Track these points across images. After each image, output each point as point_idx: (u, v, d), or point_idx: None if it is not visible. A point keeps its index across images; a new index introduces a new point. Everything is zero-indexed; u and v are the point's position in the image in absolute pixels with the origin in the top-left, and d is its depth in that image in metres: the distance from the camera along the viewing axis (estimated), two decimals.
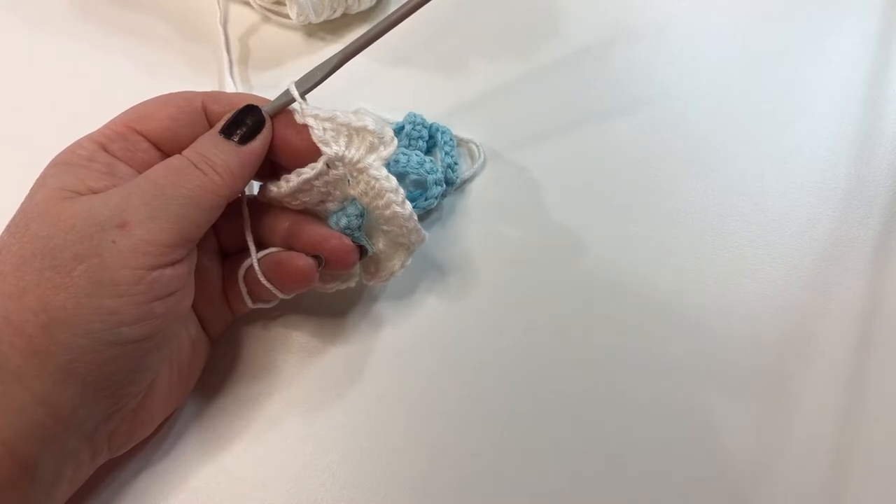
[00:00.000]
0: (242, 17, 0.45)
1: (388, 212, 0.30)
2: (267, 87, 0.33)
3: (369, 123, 0.30)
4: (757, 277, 0.37)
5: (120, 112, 0.30)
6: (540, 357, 0.35)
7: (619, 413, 0.34)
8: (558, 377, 0.34)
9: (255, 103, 0.30)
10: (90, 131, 0.29)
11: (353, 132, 0.30)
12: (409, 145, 0.38)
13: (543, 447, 0.33)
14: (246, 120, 0.29)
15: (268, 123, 0.30)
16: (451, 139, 0.39)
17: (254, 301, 0.33)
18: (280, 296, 0.32)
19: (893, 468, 0.33)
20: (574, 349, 0.35)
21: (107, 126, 0.29)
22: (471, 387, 0.34)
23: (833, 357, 0.35)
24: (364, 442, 0.33)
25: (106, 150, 0.28)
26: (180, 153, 0.28)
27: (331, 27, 0.45)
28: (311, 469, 0.32)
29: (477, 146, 0.40)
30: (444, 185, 0.37)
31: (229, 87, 0.42)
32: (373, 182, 0.30)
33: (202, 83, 0.42)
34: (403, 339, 0.35)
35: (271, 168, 0.32)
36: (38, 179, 0.28)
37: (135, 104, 0.30)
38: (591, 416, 0.34)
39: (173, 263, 0.26)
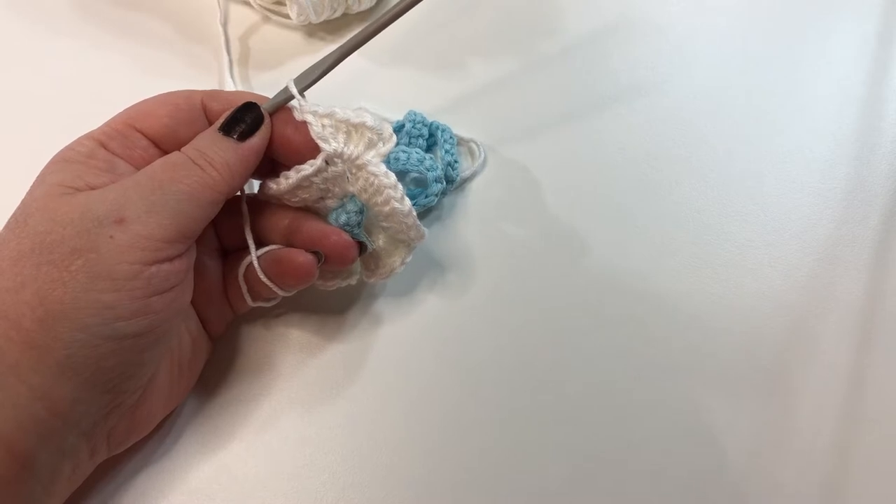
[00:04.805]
0: (242, 17, 0.45)
1: (386, 208, 0.30)
2: (267, 87, 0.33)
3: (368, 120, 0.30)
4: (757, 277, 0.37)
5: (119, 111, 0.30)
6: (540, 356, 0.35)
7: (619, 412, 0.34)
8: (558, 376, 0.34)
9: (253, 101, 0.30)
10: (90, 131, 0.29)
11: (352, 128, 0.30)
12: (410, 143, 0.38)
13: (543, 446, 0.33)
14: (245, 117, 0.29)
15: (266, 120, 0.30)
16: (451, 137, 0.39)
17: (254, 299, 0.33)
18: (280, 293, 0.32)
19: (893, 468, 0.33)
20: (573, 348, 0.35)
21: (106, 124, 0.29)
22: (471, 385, 0.34)
23: (833, 357, 0.35)
24: (364, 441, 0.33)
25: (105, 148, 0.28)
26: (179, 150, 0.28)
27: (331, 27, 0.45)
28: (311, 469, 0.32)
29: (477, 145, 0.40)
30: (445, 183, 0.37)
31: (229, 87, 0.42)
32: (371, 178, 0.30)
33: (202, 83, 0.42)
34: (404, 337, 0.35)
35: (271, 165, 0.32)
36: (37, 177, 0.28)
37: (134, 103, 0.30)
38: (591, 416, 0.34)
39: (171, 259, 0.26)
